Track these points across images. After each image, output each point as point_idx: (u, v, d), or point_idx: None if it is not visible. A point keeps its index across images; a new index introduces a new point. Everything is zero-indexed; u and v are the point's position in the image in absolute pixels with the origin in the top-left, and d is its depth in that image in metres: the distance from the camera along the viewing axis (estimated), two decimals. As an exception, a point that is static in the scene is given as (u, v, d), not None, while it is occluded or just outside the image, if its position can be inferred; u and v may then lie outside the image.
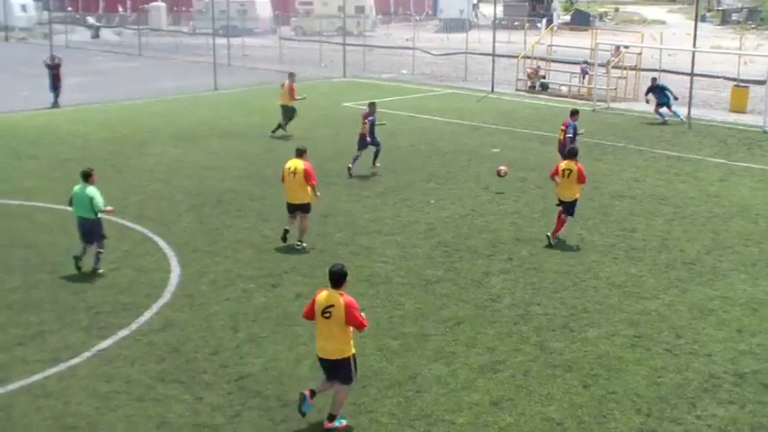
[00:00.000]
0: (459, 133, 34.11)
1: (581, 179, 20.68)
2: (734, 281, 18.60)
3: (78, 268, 18.50)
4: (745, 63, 50.96)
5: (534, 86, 47.33)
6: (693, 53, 42.01)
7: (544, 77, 48.23)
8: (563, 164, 21.08)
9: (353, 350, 12.50)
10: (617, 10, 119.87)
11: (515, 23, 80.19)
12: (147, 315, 16.45)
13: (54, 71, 41.18)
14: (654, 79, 39.66)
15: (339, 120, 36.51)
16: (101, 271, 18.48)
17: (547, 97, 44.99)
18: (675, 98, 38.24)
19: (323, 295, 12.47)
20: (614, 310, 16.86)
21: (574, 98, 43.97)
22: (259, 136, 33.44)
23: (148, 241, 20.65)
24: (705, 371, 14.39)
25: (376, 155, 28.20)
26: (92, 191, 18.07)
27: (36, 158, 29.53)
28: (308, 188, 20.03)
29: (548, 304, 17.10)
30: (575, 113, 27.62)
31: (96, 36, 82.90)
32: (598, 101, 41.88)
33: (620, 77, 44.36)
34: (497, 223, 22.45)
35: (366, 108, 28.35)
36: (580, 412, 12.96)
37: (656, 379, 14.06)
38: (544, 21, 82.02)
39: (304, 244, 20.36)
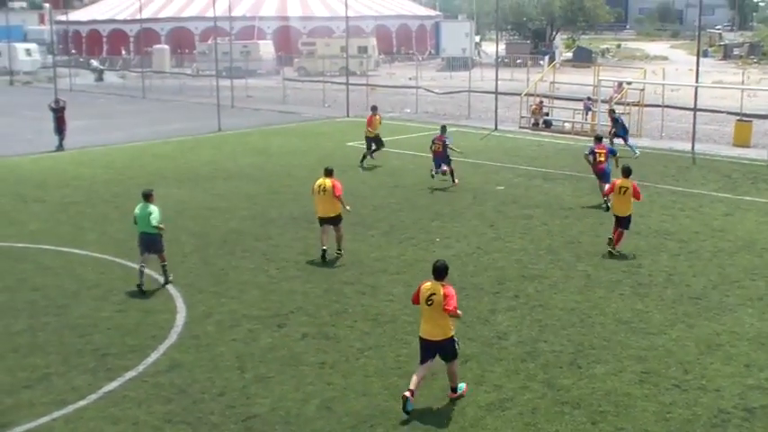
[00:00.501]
0: (463, 171, 34.10)
1: (636, 196, 22.70)
2: (741, 315, 18.56)
3: (139, 286, 20.12)
4: (749, 96, 51.13)
5: (537, 123, 47.42)
6: (696, 88, 42.18)
7: (547, 114, 48.34)
8: (619, 182, 22.99)
9: (453, 332, 14.45)
10: (619, 46, 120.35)
11: (518, 61, 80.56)
12: (153, 356, 16.43)
13: (59, 114, 41.43)
14: (612, 111, 40.07)
15: (343, 159, 36.55)
16: (171, 278, 20.73)
17: (550, 134, 45.10)
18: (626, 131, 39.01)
19: (427, 285, 14.51)
20: (621, 347, 16.82)
21: (577, 134, 44.05)
22: (263, 177, 33.51)
23: (154, 282, 20.64)
24: (714, 406, 14.34)
25: (451, 173, 31.84)
26: (153, 208, 20.32)
27: (41, 201, 29.62)
28: (337, 202, 22.28)
29: (555, 341, 17.07)
30: (444, 129, 32.55)
31: (100, 79, 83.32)
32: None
33: (623, 113, 44.41)
34: (503, 261, 22.44)
35: (438, 132, 32.47)
36: (589, 449, 12.91)
37: (664, 415, 14.01)
38: (546, 58, 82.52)
39: (342, 251, 22.76)
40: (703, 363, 16.11)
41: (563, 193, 30.21)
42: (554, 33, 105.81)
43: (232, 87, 57.13)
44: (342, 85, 56.13)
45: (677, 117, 47.90)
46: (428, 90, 61.18)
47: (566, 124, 47.27)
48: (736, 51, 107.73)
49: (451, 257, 22.48)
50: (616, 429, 13.53)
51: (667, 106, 47.45)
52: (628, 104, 45.36)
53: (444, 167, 31.85)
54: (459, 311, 14.35)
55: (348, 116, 51.88)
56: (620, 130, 38.55)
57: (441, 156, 31.85)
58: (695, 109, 41.21)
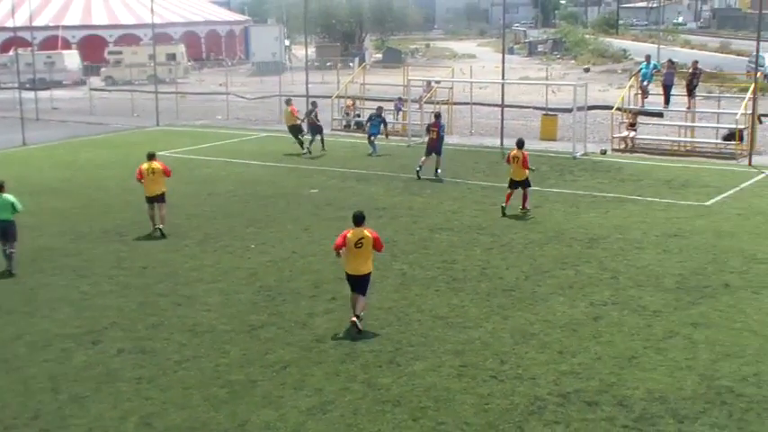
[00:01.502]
0: (276, 176, 34.05)
1: (525, 165, 26.92)
2: (553, 304, 19.05)
3: None
4: (553, 92, 52.58)
5: (349, 125, 47.65)
6: (503, 85, 43.16)
7: (359, 116, 48.59)
8: (513, 152, 27.30)
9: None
10: (428, 46, 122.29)
11: (328, 64, 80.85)
12: (-40, 383, 15.79)
13: None
14: (379, 108, 41.65)
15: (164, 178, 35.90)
16: (15, 271, 22.03)
17: (362, 135, 45.30)
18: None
19: (352, 233, 17.55)
20: (439, 342, 17.03)
21: (388, 135, 44.44)
22: (72, 190, 32.60)
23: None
24: (530, 394, 14.66)
25: (437, 164, 33.51)
26: (10, 197, 22.26)
27: None
28: (163, 180, 25.57)
29: (373, 341, 17.15)
30: (438, 116, 34.51)
31: None
32: (413, 136, 42.42)
33: (433, 112, 44.95)
34: (319, 264, 22.43)
35: (433, 119, 34.27)
36: (411, 446, 13.01)
37: (483, 406, 14.24)
38: (356, 60, 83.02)
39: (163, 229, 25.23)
40: (519, 352, 16.46)
41: (376, 193, 30.43)
42: (363, 35, 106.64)
43: (36, 99, 55.41)
44: (151, 93, 55.16)
45: (486, 114, 48.93)
46: (239, 96, 60.82)
47: (377, 125, 47.52)
48: (540, 48, 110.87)
49: (267, 263, 22.45)
50: (437, 424, 13.67)
51: (476, 103, 48.36)
52: (437, 103, 45.99)
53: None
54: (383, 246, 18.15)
55: (158, 125, 51.02)
56: (373, 128, 40.26)
57: (435, 145, 33.37)
58: (503, 105, 42.14)
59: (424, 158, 33.49)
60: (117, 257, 23.34)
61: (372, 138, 39.69)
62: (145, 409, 14.47)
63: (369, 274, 17.81)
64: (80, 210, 29.28)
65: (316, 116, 40.41)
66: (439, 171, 33.43)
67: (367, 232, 17.56)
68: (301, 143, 39.98)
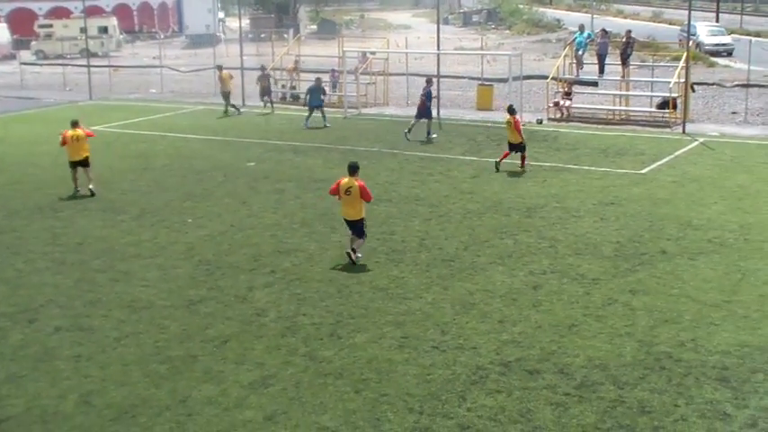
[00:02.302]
0: (212, 150, 33.78)
1: (517, 128, 28.69)
2: (492, 273, 19.12)
3: None
4: (488, 63, 52.67)
5: (285, 97, 47.41)
6: (438, 55, 43.15)
7: (294, 88, 48.34)
8: (506, 118, 29.21)
9: (364, 214, 19.84)
10: (362, 17, 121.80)
11: (262, 36, 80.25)
12: None
13: None
14: (317, 79, 41.18)
15: (89, 144, 35.39)
16: None
17: (298, 108, 45.15)
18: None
19: (345, 181, 19.60)
20: (380, 313, 17.02)
21: (325, 107, 44.31)
22: (3, 167, 32.05)
23: None
24: (472, 363, 14.69)
25: (429, 127, 35.43)
26: None
27: None
28: (86, 144, 27.14)
29: (314, 314, 17.09)
30: (429, 81, 36.21)
31: None
32: (349, 108, 42.31)
33: (369, 83, 44.96)
34: (257, 237, 22.30)
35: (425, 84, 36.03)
36: (354, 418, 12.98)
37: (425, 377, 14.25)
38: (291, 31, 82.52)
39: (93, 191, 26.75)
40: (459, 322, 16.49)
41: (314, 166, 30.31)
42: (297, 6, 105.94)
43: (-36, 75, 54.47)
44: (83, 67, 54.41)
45: (421, 84, 48.66)
46: (173, 69, 60.21)
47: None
48: (475, 18, 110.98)
49: (205, 237, 22.28)
50: (379, 395, 13.66)
51: (412, 74, 48.29)
52: (373, 74, 45.88)
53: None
54: (372, 198, 20.07)
55: (91, 99, 50.37)
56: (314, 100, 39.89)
57: (422, 109, 35.20)
58: (438, 76, 42.12)
59: (413, 122, 35.27)
60: (52, 234, 23.01)
61: (316, 109, 39.35)
62: (84, 387, 14.28)
63: (359, 219, 19.74)
64: (13, 186, 28.82)
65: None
66: (431, 134, 35.38)
67: (356, 182, 19.49)
68: (227, 108, 43.45)
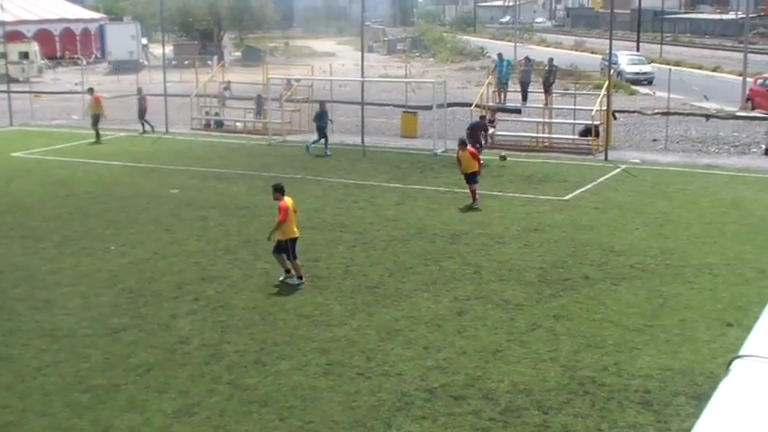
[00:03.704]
0: (136, 176, 33.45)
1: (475, 157, 28.20)
2: (417, 300, 19.15)
3: None
4: (413, 90, 52.93)
5: (209, 124, 47.20)
6: (362, 83, 43.27)
7: (217, 114, 48.13)
8: (459, 152, 28.44)
9: None
10: (287, 44, 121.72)
11: (186, 62, 79.82)
12: None
13: None
14: (322, 103, 40.17)
15: (10, 170, 34.93)
16: None
17: (222, 134, 44.97)
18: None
19: (289, 201, 20.30)
20: (305, 340, 16.96)
21: (249, 133, 44.18)
22: None
23: None
24: (397, 390, 14.70)
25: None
26: None
27: None
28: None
29: (238, 341, 16.98)
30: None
31: None
32: (273, 134, 42.22)
33: (293, 110, 44.91)
34: (181, 264, 22.11)
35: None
36: (278, 446, 12.90)
37: (350, 404, 14.22)
38: (215, 58, 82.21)
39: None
40: (385, 349, 16.49)
41: (238, 193, 30.17)
42: (221, 33, 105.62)
43: None
44: (3, 93, 53.60)
45: (346, 111, 48.90)
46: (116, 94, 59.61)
47: (237, 124, 47.24)
48: (399, 46, 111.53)
49: (128, 265, 22.03)
50: (304, 423, 13.60)
51: (336, 101, 48.32)
52: (298, 101, 45.84)
53: None
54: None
55: (12, 125, 49.60)
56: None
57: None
58: (362, 103, 42.22)
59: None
60: (-30, 262, 22.61)
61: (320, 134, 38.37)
62: (3, 418, 14.03)
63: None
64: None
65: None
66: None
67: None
68: (98, 134, 43.09)
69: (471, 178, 28.20)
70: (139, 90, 47.07)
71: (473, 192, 28.15)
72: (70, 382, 15.36)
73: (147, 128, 45.78)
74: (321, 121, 38.38)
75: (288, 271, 20.36)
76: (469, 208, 27.41)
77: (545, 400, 14.25)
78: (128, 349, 16.71)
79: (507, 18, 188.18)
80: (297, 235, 20.31)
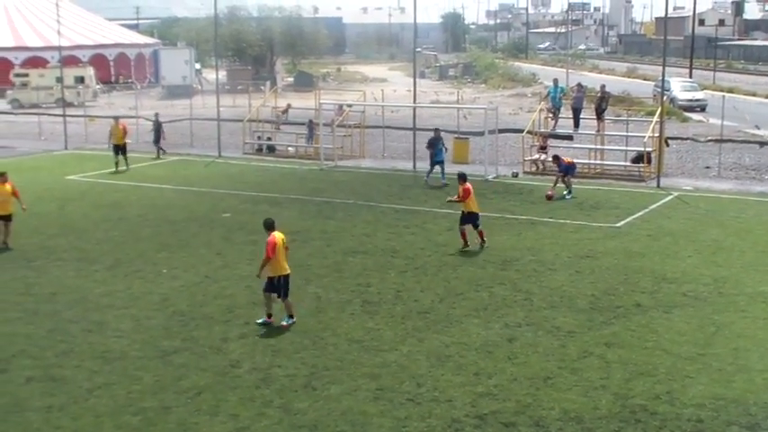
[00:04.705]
0: (188, 200, 33.69)
1: (467, 195, 25.62)
2: (467, 326, 19.08)
3: None
4: (464, 117, 52.90)
5: (261, 149, 47.46)
6: (414, 108, 43.33)
7: (270, 139, 48.40)
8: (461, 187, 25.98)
9: None
10: (339, 70, 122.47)
11: (239, 87, 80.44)
12: None
13: None
14: (437, 130, 38.59)
15: (64, 193, 35.34)
16: None
17: (275, 159, 45.22)
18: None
19: (278, 236, 19.36)
20: (355, 365, 16.94)
21: (301, 158, 44.37)
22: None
23: None
24: (447, 416, 14.64)
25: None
26: None
27: None
28: (11, 201, 26.37)
29: (289, 365, 17.00)
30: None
31: None
32: (325, 159, 42.38)
33: (345, 135, 45.08)
34: (232, 288, 22.21)
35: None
36: (328, 471, 12.89)
37: (400, 429, 14.19)
38: (268, 83, 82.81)
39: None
40: (435, 375, 16.44)
41: (289, 218, 30.21)
42: (274, 59, 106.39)
43: (-60, 123, 54.21)
44: (59, 117, 54.30)
45: (398, 137, 48.97)
46: (149, 119, 60.08)
47: (289, 148, 47.48)
48: (451, 72, 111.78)
49: (179, 288, 22.17)
50: (354, 449, 13.57)
51: (388, 127, 48.44)
52: (349, 126, 46.01)
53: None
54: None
55: (67, 149, 50.22)
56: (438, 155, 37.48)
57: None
58: (414, 129, 42.27)
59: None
60: (25, 284, 22.81)
61: (438, 164, 37.20)
62: (55, 439, 14.14)
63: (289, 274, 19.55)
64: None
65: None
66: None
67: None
68: (117, 163, 41.97)
69: (469, 219, 26.00)
70: (156, 115, 47.85)
71: (480, 234, 26.00)
72: (121, 404, 15.45)
73: (162, 154, 46.55)
74: (435, 148, 37.42)
75: (269, 315, 19.43)
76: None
77: (596, 428, 14.13)
78: (179, 372, 16.79)
79: (546, 44, 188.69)
80: (288, 272, 19.30)
